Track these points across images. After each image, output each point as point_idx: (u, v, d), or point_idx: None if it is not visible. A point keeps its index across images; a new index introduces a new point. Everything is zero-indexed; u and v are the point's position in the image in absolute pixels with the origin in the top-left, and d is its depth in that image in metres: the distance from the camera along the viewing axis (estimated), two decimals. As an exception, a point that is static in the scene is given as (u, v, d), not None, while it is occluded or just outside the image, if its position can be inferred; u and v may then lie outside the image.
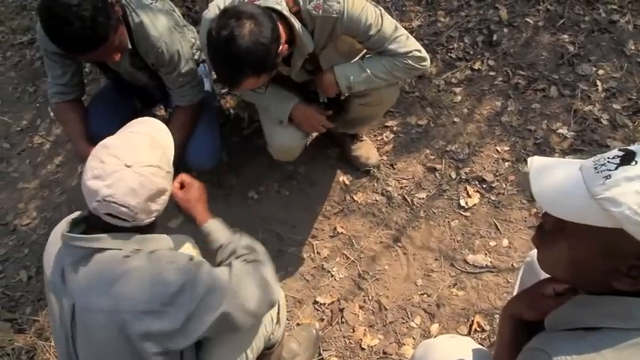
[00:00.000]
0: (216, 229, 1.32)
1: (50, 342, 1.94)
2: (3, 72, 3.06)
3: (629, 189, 0.70)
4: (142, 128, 1.16)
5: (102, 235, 1.07)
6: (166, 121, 1.30)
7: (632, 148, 0.75)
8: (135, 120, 1.21)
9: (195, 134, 1.94)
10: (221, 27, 1.34)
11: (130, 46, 1.68)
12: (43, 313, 2.08)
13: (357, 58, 1.76)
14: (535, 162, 0.85)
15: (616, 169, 0.72)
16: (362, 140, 2.21)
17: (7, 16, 3.27)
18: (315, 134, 2.26)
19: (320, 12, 1.50)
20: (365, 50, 1.75)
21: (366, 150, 2.19)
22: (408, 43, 1.63)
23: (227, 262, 1.20)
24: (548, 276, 0.97)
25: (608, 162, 0.74)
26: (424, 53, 1.66)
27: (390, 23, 1.59)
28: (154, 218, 1.13)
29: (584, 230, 0.74)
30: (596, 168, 0.74)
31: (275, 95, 1.78)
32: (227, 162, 2.33)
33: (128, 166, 1.04)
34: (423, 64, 1.67)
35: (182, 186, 1.37)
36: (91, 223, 1.13)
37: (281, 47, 1.44)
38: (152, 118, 1.23)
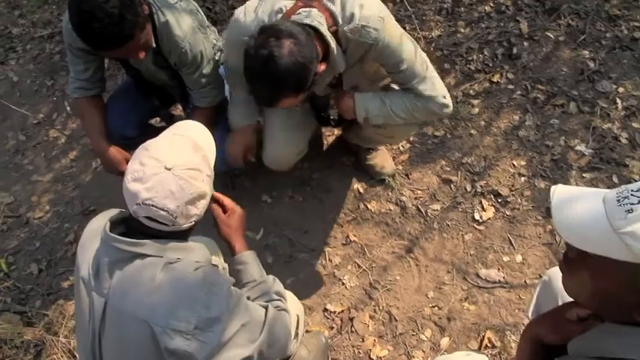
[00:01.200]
0: (253, 262, 1.31)
1: (59, 337, 1.94)
2: (22, 64, 3.08)
3: None
4: (184, 131, 1.15)
5: (146, 240, 1.05)
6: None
7: None
8: (178, 122, 1.20)
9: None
10: (260, 46, 1.31)
11: (154, 45, 1.68)
12: (53, 308, 2.08)
13: (381, 84, 1.73)
14: (558, 191, 0.83)
15: (639, 202, 0.71)
16: (377, 149, 2.21)
17: (28, 9, 3.30)
18: (319, 143, 2.26)
19: (357, 36, 1.46)
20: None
21: (382, 159, 2.19)
22: (435, 87, 1.60)
23: (261, 304, 1.20)
24: (566, 296, 0.96)
25: (632, 195, 0.72)
26: (448, 100, 1.63)
27: (422, 62, 1.57)
28: (193, 223, 1.11)
29: (607, 263, 0.74)
30: (619, 201, 0.73)
31: (249, 103, 1.78)
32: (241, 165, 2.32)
33: (168, 169, 1.02)
34: (445, 110, 1.64)
35: (224, 209, 1.35)
36: (131, 226, 1.11)
37: (318, 66, 1.40)
38: (194, 121, 1.23)
